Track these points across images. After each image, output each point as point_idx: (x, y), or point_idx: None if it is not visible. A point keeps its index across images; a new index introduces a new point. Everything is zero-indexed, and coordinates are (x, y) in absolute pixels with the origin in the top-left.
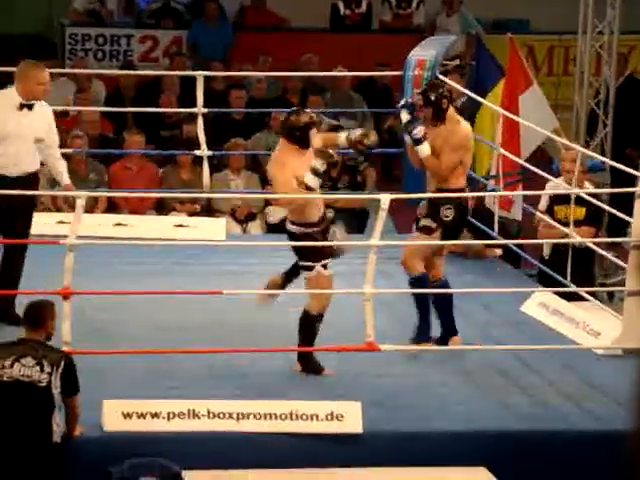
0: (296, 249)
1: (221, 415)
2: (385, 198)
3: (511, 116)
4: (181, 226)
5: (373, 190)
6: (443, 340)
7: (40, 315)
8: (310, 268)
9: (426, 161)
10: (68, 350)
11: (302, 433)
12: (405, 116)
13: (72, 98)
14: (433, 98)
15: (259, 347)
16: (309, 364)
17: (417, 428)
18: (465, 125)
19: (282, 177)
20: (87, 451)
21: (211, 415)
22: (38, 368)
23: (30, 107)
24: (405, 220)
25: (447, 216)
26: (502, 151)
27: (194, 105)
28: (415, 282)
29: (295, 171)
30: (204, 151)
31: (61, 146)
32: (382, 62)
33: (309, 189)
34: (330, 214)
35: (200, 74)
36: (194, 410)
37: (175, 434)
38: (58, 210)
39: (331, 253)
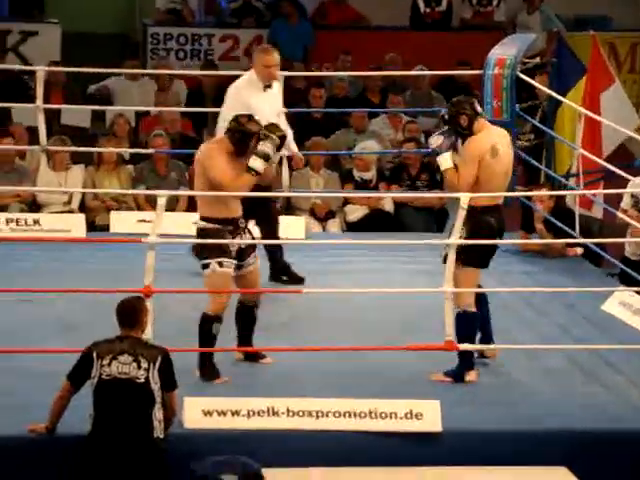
0: (193, 246)
1: (300, 413)
2: (465, 197)
3: (592, 115)
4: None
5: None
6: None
7: (134, 312)
8: (206, 266)
9: (445, 173)
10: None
11: (381, 431)
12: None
13: (153, 97)
14: (447, 117)
15: (338, 345)
16: (206, 369)
17: (497, 427)
18: (478, 138)
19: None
20: (169, 447)
21: (291, 413)
22: (135, 365)
23: (269, 87)
24: None
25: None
26: (582, 150)
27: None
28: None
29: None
30: (283, 150)
31: (143, 145)
32: (462, 60)
33: (257, 174)
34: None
35: (280, 74)
36: (274, 408)
37: (255, 432)
38: (140, 209)
39: (232, 252)
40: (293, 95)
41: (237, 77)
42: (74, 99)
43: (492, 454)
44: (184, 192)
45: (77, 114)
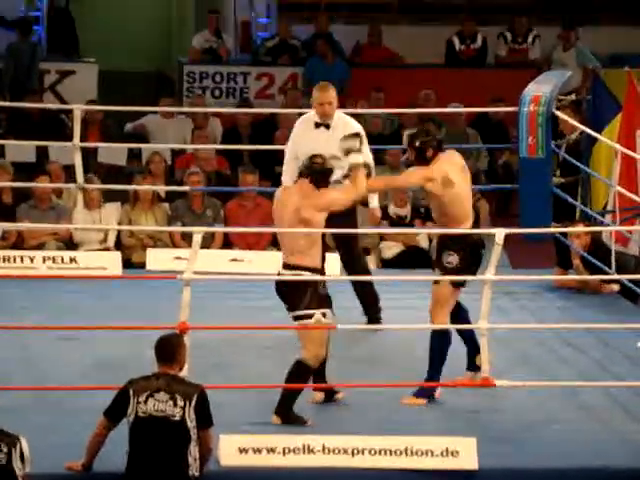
0: (290, 296)
1: (336, 450)
2: (500, 233)
3: (628, 152)
4: None
5: (487, 224)
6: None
7: (172, 349)
8: (309, 316)
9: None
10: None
11: (417, 469)
12: None
13: (189, 135)
14: (417, 144)
15: (373, 381)
16: (292, 415)
17: (534, 465)
18: (437, 166)
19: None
20: None
21: (326, 450)
22: (171, 402)
23: (327, 126)
24: (519, 256)
25: (450, 262)
26: (618, 187)
27: None
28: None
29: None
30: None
31: (178, 183)
32: (497, 97)
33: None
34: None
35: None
36: (309, 445)
37: (291, 470)
38: (175, 246)
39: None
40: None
41: (273, 115)
42: (111, 137)
43: None
44: (220, 229)
45: (114, 152)
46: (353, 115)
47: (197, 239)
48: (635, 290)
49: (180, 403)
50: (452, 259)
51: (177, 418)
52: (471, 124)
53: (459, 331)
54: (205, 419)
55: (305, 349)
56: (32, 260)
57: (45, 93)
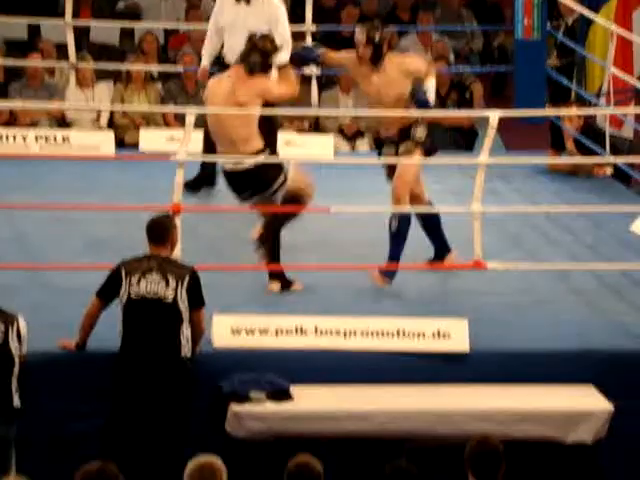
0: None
1: (328, 332)
2: (494, 115)
3: (624, 33)
4: (289, 143)
5: (481, 106)
6: (439, 258)
7: (164, 230)
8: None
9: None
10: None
11: (408, 351)
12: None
13: (183, 14)
14: (377, 39)
15: (366, 264)
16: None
17: (524, 347)
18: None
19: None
20: (197, 366)
21: (319, 332)
22: (164, 284)
23: (247, 1)
24: (514, 138)
25: (420, 136)
26: (613, 69)
27: (303, 22)
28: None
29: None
30: (313, 70)
31: (171, 63)
32: None
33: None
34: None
35: None
36: (302, 326)
37: (283, 350)
38: (168, 126)
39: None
40: (323, 14)
41: None
42: (103, 15)
43: (519, 373)
44: (213, 109)
45: (106, 31)
46: None
47: (190, 120)
48: (628, 173)
49: (172, 284)
50: (421, 131)
51: (169, 300)
52: (466, 4)
53: (428, 231)
54: (197, 300)
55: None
56: (25, 139)
57: None
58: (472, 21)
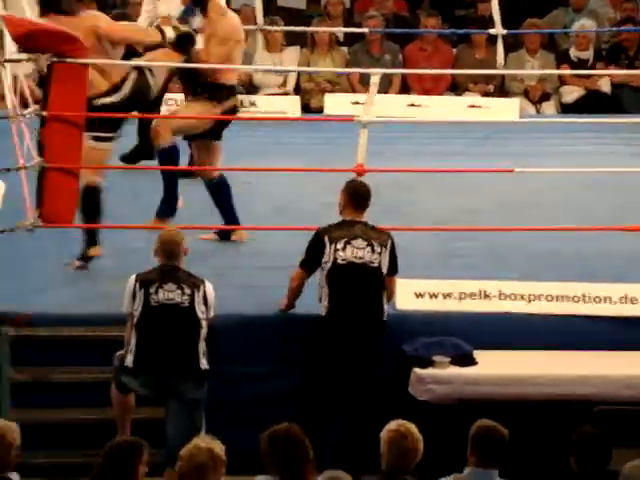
0: None
1: (512, 296)
2: None
3: None
4: (474, 107)
5: None
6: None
7: (368, 195)
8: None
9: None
10: None
11: (594, 315)
12: None
13: None
14: None
15: (550, 226)
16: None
17: None
18: (231, 17)
19: None
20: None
21: (502, 296)
22: (370, 249)
23: None
24: None
25: None
26: None
27: None
28: (163, 153)
29: None
30: (499, 30)
31: (357, 26)
32: None
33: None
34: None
35: None
36: (485, 291)
37: (466, 314)
38: (353, 91)
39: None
40: None
41: None
42: None
43: None
44: (398, 70)
45: None
46: None
47: (375, 81)
48: None
49: (377, 249)
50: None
51: (375, 264)
52: None
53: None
54: (394, 267)
55: None
56: None
57: None
58: None
